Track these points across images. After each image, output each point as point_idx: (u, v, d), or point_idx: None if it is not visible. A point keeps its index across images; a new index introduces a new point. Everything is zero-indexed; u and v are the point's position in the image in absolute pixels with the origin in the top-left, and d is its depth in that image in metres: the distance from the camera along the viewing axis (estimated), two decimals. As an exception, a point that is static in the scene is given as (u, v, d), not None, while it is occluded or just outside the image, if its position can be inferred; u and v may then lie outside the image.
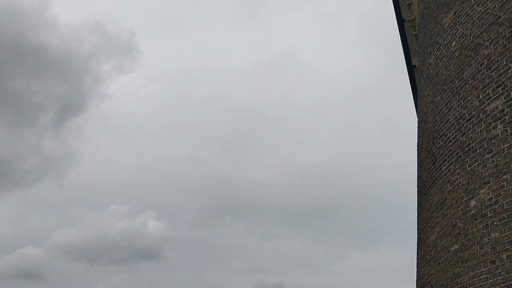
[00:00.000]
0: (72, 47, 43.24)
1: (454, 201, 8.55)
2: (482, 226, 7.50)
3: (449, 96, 9.68)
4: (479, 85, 8.90)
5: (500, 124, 8.20)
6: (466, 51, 9.49)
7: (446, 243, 8.54)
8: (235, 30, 47.43)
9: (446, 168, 9.12)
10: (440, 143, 9.56)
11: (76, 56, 43.19)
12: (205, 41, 47.01)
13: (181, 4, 47.22)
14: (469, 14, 9.65)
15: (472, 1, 9.61)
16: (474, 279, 7.57)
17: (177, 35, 47.79)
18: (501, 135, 8.12)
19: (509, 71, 8.39)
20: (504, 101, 8.30)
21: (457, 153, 8.93)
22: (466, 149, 8.75)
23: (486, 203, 7.71)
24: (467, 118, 8.94)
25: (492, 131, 8.30)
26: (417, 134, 11.14)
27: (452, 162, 8.98)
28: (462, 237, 8.03)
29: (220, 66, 46.21)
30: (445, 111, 9.62)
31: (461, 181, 8.54)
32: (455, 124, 9.24)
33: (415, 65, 14.97)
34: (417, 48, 11.88)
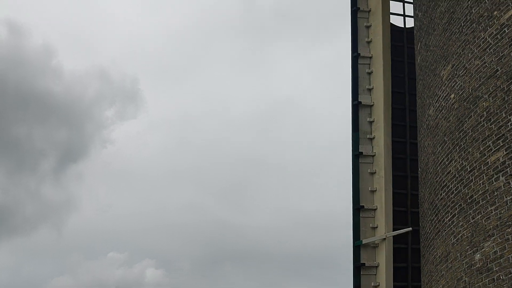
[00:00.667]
0: (75, 93, 43.73)
1: (458, 254, 8.52)
2: (488, 281, 7.45)
3: (449, 148, 9.76)
4: (480, 137, 9.00)
5: (502, 176, 8.26)
6: (465, 103, 9.63)
7: (451, 297, 8.47)
8: (237, 78, 48.07)
9: (449, 220, 9.11)
10: (442, 195, 9.58)
11: (79, 103, 43.64)
12: (206, 88, 47.58)
13: (184, 53, 47.92)
14: (466, 67, 9.83)
15: (470, 55, 9.81)
16: (481, 335, 7.47)
17: (180, 82, 48.40)
18: (504, 187, 8.16)
19: (509, 124, 8.50)
20: (505, 153, 8.37)
21: (460, 205, 8.95)
22: (468, 201, 8.77)
23: (491, 257, 7.68)
24: (469, 169, 8.99)
25: (494, 183, 8.34)
26: (418, 185, 11.17)
27: (455, 214, 8.99)
28: (468, 291, 7.97)
29: (221, 113, 46.64)
30: (446, 162, 9.68)
31: (465, 234, 8.53)
32: (457, 175, 9.29)
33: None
34: (417, 100, 12.06)
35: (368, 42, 14.42)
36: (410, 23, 14.80)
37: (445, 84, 10.47)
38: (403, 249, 13.31)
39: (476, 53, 9.66)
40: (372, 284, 12.62)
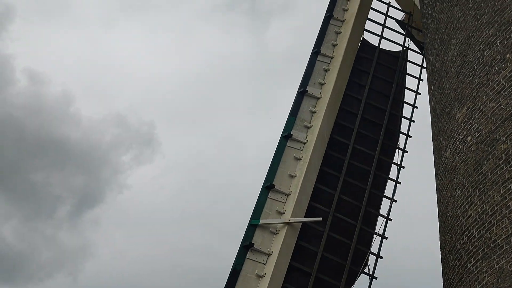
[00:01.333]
0: (93, 140, 44.20)
1: (484, 301, 8.33)
2: (518, 329, 7.26)
3: (469, 191, 9.66)
4: (499, 180, 8.90)
5: (524, 220, 8.14)
6: (482, 145, 9.58)
7: None
8: (251, 121, 48.36)
9: (472, 266, 8.94)
10: (464, 239, 9.43)
11: (97, 149, 44.09)
12: (221, 132, 47.87)
13: (199, 97, 48.43)
14: (482, 109, 9.83)
15: (484, 98, 9.81)
16: None
17: (195, 126, 48.80)
18: (527, 231, 8.03)
19: (529, 166, 8.43)
20: (526, 196, 8.28)
21: (483, 250, 8.79)
22: (492, 245, 8.62)
23: (519, 304, 7.50)
24: (490, 213, 8.87)
25: (517, 227, 8.22)
26: (438, 229, 11.03)
27: (478, 259, 8.83)
28: None
29: (235, 156, 46.76)
30: (467, 206, 9.57)
31: (490, 280, 8.35)
32: (478, 219, 9.16)
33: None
34: (433, 143, 12.03)
35: (334, 45, 14.59)
36: (385, 45, 15.30)
37: (461, 127, 10.44)
38: (308, 250, 11.58)
39: (491, 95, 9.67)
40: (256, 272, 10.81)
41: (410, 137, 14.08)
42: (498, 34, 9.86)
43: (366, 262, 11.93)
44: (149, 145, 47.84)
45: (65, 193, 42.10)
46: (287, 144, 12.73)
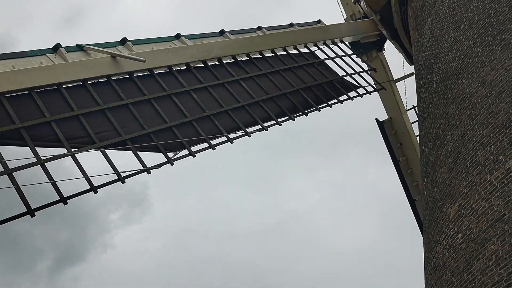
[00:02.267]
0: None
1: None
2: None
3: (458, 289, 9.60)
4: (489, 282, 8.85)
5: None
6: (473, 244, 9.59)
7: None
8: (244, 192, 48.36)
9: None
10: None
11: (86, 204, 43.62)
12: (213, 200, 47.75)
13: (194, 164, 48.69)
14: (474, 208, 9.91)
15: (476, 196, 9.92)
16: None
17: (188, 191, 48.67)
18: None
19: (518, 270, 8.41)
20: (515, 301, 8.22)
21: None
22: None
23: None
24: (478, 315, 8.78)
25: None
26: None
27: None
28: None
29: (225, 226, 46.43)
30: (455, 305, 9.48)
31: None
32: (466, 320, 9.05)
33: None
34: (423, 232, 12.06)
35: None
36: None
37: (452, 223, 10.49)
38: None
39: (482, 194, 9.78)
40: None
41: None
42: (491, 135, 10.09)
43: None
44: (139, 205, 47.36)
45: (48, 247, 41.25)
46: None
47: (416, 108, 18.72)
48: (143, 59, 12.18)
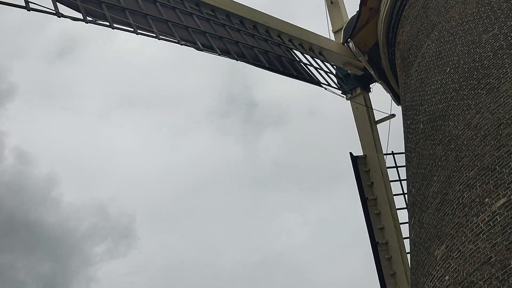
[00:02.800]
0: (68, 226, 43.17)
1: None
2: None
3: (445, 332, 9.53)
4: (476, 326, 8.84)
5: None
6: (460, 287, 9.59)
7: None
8: (231, 227, 48.11)
9: None
10: None
11: (70, 236, 42.93)
12: (200, 235, 47.36)
13: (181, 197, 48.42)
14: (460, 250, 9.94)
15: (463, 238, 9.96)
16: None
17: (174, 226, 48.32)
18: None
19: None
20: None
21: None
22: None
23: None
24: None
25: None
26: None
27: None
28: None
29: (211, 262, 45.92)
30: None
31: None
32: None
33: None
34: (410, 276, 12.04)
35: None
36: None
37: (439, 264, 10.49)
38: None
39: (469, 237, 9.82)
40: None
41: None
42: (477, 177, 10.20)
43: None
44: (126, 238, 46.73)
45: (30, 279, 40.46)
46: None
47: (394, 154, 19.15)
48: None
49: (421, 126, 13.45)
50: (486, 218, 9.58)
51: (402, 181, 18.71)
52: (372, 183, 18.62)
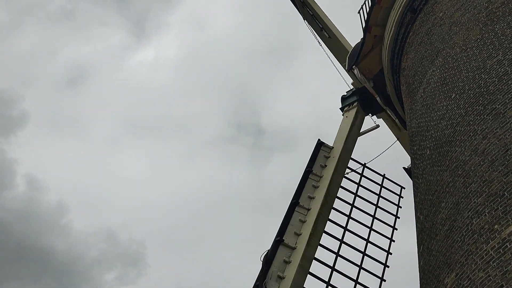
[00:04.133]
0: (78, 253, 42.95)
1: None
2: None
3: None
4: None
5: None
6: (471, 316, 9.43)
7: None
8: (239, 254, 47.75)
9: None
10: None
11: (80, 263, 42.65)
12: (207, 262, 47.06)
13: (190, 223, 48.32)
14: (471, 278, 9.79)
15: (473, 266, 9.82)
16: None
17: (184, 253, 47.99)
18: None
19: None
20: None
21: None
22: None
23: None
24: None
25: None
26: None
27: None
28: None
29: (220, 288, 45.54)
30: None
31: None
32: None
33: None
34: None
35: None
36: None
37: (450, 294, 10.34)
38: None
39: (479, 264, 9.69)
40: None
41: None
42: (486, 203, 10.10)
43: None
44: (135, 265, 46.34)
45: (39, 307, 40.06)
46: None
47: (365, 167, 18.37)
48: None
49: (427, 152, 13.40)
50: (496, 245, 9.46)
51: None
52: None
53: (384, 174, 17.40)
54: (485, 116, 11.12)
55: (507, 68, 11.30)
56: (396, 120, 20.09)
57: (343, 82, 20.73)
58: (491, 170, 10.31)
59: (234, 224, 48.62)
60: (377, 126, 19.72)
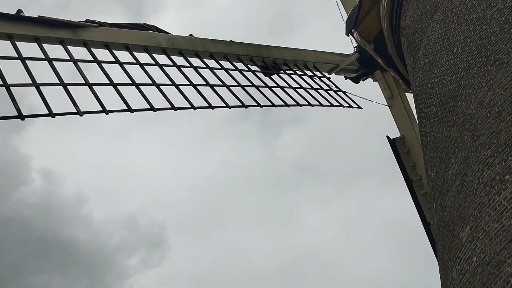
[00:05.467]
0: (100, 241, 43.36)
1: None
2: None
3: (478, 315, 9.40)
4: (508, 305, 8.69)
5: None
6: (488, 267, 9.44)
7: None
8: (257, 230, 48.04)
9: None
10: None
11: (104, 251, 43.08)
12: (227, 241, 47.35)
13: (207, 204, 48.48)
14: (485, 230, 9.79)
15: (487, 218, 9.82)
16: None
17: (202, 234, 48.37)
18: None
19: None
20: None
21: None
22: None
23: None
24: None
25: None
26: None
27: None
28: None
29: (241, 268, 45.83)
30: (477, 332, 9.27)
31: None
32: None
33: None
34: (438, 261, 11.89)
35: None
36: None
37: (465, 247, 10.35)
38: None
39: (493, 216, 9.68)
40: None
41: None
42: (495, 155, 10.05)
43: None
44: (158, 247, 46.67)
45: (67, 298, 40.56)
46: None
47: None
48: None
49: (433, 110, 13.31)
50: (509, 195, 9.44)
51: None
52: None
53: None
54: (488, 67, 11.00)
55: (507, 17, 11.13)
56: (400, 81, 19.94)
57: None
58: (499, 121, 10.24)
59: (250, 200, 48.83)
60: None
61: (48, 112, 11.49)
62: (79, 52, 13.53)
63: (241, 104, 15.25)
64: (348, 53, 20.33)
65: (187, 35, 15.92)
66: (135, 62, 14.09)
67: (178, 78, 14.63)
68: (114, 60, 13.74)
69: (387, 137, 18.64)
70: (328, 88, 18.35)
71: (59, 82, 12.31)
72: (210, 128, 52.49)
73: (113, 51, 13.95)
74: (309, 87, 17.76)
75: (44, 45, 12.83)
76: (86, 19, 13.97)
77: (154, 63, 14.49)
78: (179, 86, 14.38)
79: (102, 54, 13.81)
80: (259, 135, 53.85)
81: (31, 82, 11.73)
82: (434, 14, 14.16)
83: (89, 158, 49.02)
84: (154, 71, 14.33)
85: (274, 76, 17.19)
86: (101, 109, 12.39)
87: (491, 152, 10.20)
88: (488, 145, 10.31)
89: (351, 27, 19.16)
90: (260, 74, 16.75)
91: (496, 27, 11.29)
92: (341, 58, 20.03)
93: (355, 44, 20.40)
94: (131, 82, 13.61)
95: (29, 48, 12.45)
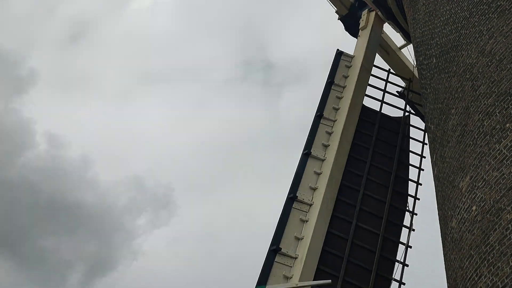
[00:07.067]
0: (107, 203, 43.49)
1: None
2: None
3: (477, 262, 9.48)
4: (507, 251, 8.75)
5: (536, 292, 7.95)
6: (488, 215, 9.48)
7: None
8: (262, 189, 48.22)
9: None
10: (475, 313, 9.18)
11: (111, 212, 43.28)
12: (232, 200, 47.59)
13: (212, 165, 48.32)
14: (485, 179, 9.79)
15: (487, 167, 9.81)
16: None
17: (208, 194, 48.52)
18: (539, 305, 7.82)
19: (536, 237, 8.32)
20: (536, 268, 8.12)
21: (495, 324, 8.54)
22: (504, 320, 8.38)
23: None
24: (500, 286, 8.67)
25: (529, 300, 8.01)
26: None
27: (491, 335, 8.56)
28: None
29: (246, 226, 46.21)
30: (476, 279, 9.36)
31: None
32: (488, 292, 8.94)
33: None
34: (438, 212, 11.94)
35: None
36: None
37: (465, 196, 10.38)
38: None
39: (493, 164, 9.67)
40: None
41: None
42: (496, 104, 9.97)
43: None
44: (165, 207, 46.89)
45: (76, 260, 41.09)
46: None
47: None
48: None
49: (434, 61, 13.15)
50: (509, 144, 9.40)
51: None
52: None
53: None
54: (490, 15, 10.80)
55: (509, -38, 10.87)
56: (400, 33, 19.64)
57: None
58: (500, 70, 10.12)
59: (254, 161, 48.85)
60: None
61: None
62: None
63: None
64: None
65: None
66: None
67: None
68: None
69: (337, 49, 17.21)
70: None
71: None
72: (211, 88, 52.19)
73: None
74: None
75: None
76: None
77: None
78: None
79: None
80: (261, 96, 53.51)
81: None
82: (435, -37, 13.85)
83: (93, 121, 48.82)
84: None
85: None
86: None
87: (491, 101, 10.12)
88: (489, 94, 10.22)
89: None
90: None
91: (498, -27, 11.04)
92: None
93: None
94: None
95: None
